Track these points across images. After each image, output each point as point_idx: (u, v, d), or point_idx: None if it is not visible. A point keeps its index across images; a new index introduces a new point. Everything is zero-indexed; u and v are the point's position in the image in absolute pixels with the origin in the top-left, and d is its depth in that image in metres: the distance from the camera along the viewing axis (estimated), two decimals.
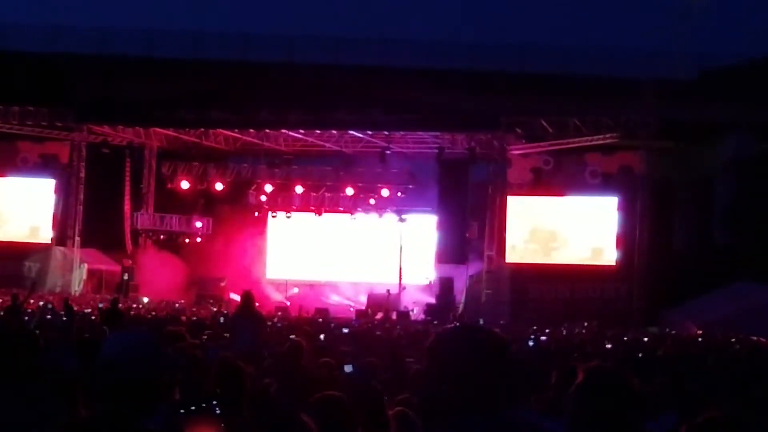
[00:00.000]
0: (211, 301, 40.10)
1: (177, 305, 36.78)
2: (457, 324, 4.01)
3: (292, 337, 15.45)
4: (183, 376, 6.22)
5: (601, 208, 39.69)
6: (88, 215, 42.04)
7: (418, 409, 6.90)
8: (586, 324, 31.98)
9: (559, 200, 39.80)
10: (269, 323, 23.36)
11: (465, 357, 3.73)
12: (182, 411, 4.40)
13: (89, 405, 5.32)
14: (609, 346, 19.72)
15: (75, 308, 27.11)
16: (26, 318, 21.33)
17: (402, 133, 40.32)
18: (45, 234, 42.55)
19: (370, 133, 40.68)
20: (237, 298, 25.66)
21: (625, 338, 24.71)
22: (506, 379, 3.79)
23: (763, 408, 8.75)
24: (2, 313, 21.89)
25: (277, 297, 43.37)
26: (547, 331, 26.61)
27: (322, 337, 18.95)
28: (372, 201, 42.91)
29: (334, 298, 43.02)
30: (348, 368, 11.07)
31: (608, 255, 39.34)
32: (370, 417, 6.46)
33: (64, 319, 21.39)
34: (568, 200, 39.73)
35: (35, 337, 6.11)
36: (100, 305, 28.31)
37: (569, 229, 39.92)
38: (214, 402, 4.50)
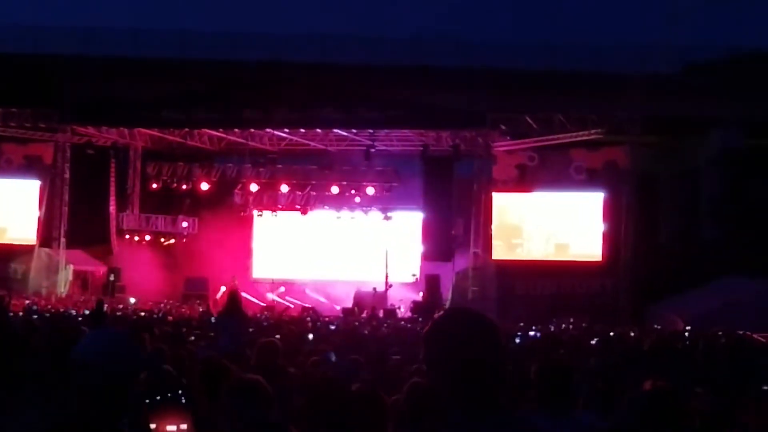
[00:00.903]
0: (198, 301, 40.04)
1: (163, 305, 36.73)
2: (449, 309, 3.96)
3: (277, 337, 15.40)
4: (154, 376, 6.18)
5: (586, 204, 39.81)
6: (74, 216, 41.90)
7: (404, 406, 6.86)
8: (572, 320, 32.00)
9: (535, 196, 39.95)
10: (255, 322, 23.36)
11: (461, 339, 3.69)
12: (147, 401, 4.35)
13: (66, 406, 5.27)
14: (593, 342, 19.68)
15: (61, 309, 27.04)
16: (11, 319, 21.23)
17: (386, 131, 40.32)
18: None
19: (354, 131, 40.67)
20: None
21: (612, 333, 24.70)
22: (502, 360, 3.75)
23: (747, 400, 8.75)
24: None
25: (263, 296, 43.29)
26: (534, 328, 26.59)
27: (310, 336, 18.91)
28: (357, 199, 42.85)
29: (321, 297, 42.94)
30: (331, 356, 11.11)
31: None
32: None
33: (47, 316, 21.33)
34: (548, 196, 39.82)
35: (22, 341, 6.07)
36: (86, 312, 28.17)
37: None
38: (180, 391, 4.45)
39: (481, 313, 3.87)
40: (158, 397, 4.36)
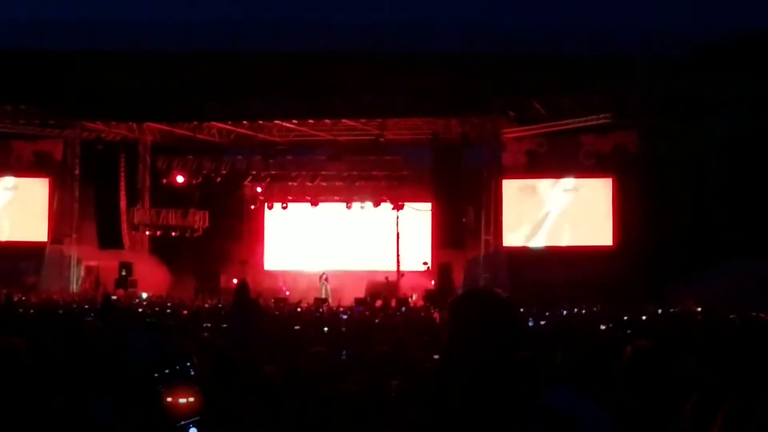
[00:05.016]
0: (210, 294, 40.11)
1: (176, 299, 36.79)
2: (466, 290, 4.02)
3: (297, 328, 15.45)
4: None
5: (596, 189, 39.82)
6: (84, 212, 42.02)
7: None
8: (585, 306, 31.96)
9: (545, 182, 40.05)
10: (269, 314, 23.37)
11: (474, 315, 3.73)
12: (156, 375, 4.37)
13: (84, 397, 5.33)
14: (603, 327, 19.66)
15: (74, 305, 27.08)
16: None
17: (395, 120, 40.28)
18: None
19: (363, 121, 40.64)
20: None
21: (625, 317, 24.71)
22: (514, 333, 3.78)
23: (762, 383, 8.74)
24: None
25: (276, 288, 43.32)
26: (547, 314, 26.60)
27: (325, 329, 18.96)
28: (367, 189, 42.78)
29: (333, 287, 42.92)
30: (343, 354, 11.19)
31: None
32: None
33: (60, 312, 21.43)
34: (558, 181, 39.90)
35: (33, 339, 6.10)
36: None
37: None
38: (188, 363, 4.47)
39: (496, 292, 3.92)
40: (167, 371, 4.38)
